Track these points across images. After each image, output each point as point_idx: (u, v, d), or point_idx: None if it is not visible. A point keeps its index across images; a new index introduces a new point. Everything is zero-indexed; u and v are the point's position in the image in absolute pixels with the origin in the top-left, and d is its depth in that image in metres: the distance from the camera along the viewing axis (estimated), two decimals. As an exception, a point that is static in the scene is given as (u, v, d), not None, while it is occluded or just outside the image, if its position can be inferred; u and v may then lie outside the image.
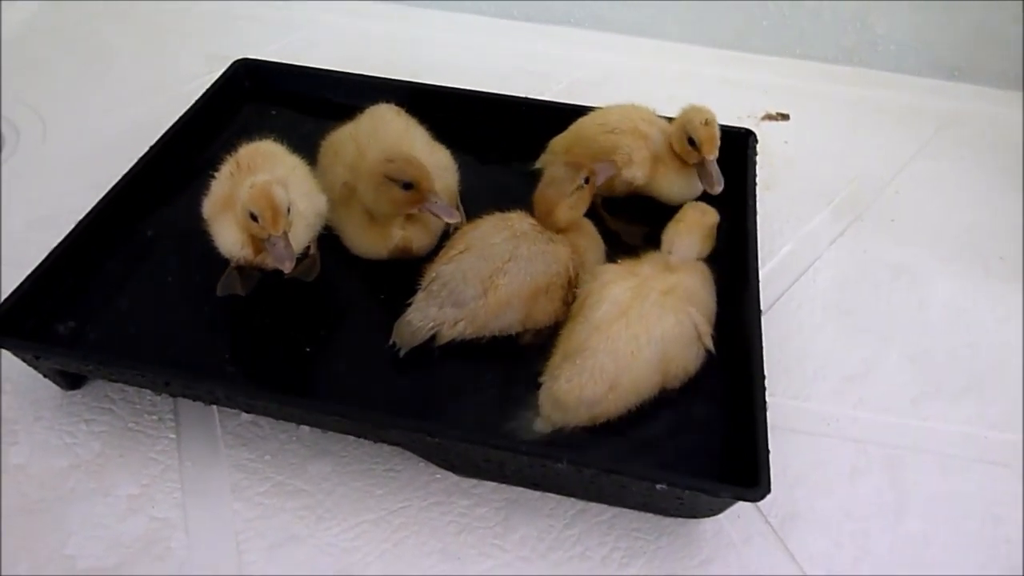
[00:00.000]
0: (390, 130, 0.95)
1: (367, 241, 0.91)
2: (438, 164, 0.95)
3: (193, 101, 1.06)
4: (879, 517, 0.78)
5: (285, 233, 0.79)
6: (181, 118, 1.03)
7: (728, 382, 0.82)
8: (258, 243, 0.82)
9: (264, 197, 0.77)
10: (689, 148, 0.94)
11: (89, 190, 0.94)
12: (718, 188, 0.93)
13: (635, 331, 0.76)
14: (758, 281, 0.84)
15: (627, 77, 1.32)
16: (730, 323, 0.85)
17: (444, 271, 0.83)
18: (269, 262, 0.83)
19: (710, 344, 0.80)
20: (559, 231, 0.87)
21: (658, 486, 0.67)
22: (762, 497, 0.67)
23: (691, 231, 0.86)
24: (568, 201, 0.85)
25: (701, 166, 0.94)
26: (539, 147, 1.04)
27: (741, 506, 0.77)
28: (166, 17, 1.43)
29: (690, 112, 0.95)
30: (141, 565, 0.72)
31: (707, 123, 0.93)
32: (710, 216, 0.88)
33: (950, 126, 1.26)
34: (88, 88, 1.26)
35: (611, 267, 0.84)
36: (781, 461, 0.80)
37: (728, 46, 1.37)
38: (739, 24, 1.35)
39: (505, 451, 0.70)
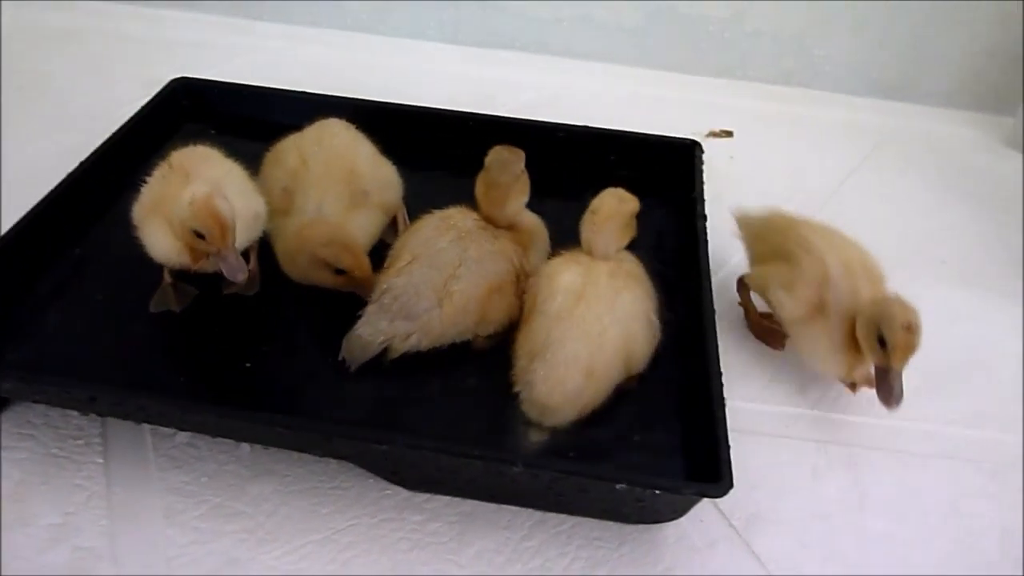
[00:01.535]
0: (335, 142, 0.92)
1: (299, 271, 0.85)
2: (383, 179, 0.93)
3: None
4: (843, 515, 0.76)
5: (234, 245, 0.75)
6: (114, 135, 1.00)
7: (684, 383, 0.80)
8: (198, 253, 0.78)
9: (208, 213, 0.73)
10: (875, 345, 0.76)
11: (17, 214, 0.88)
12: (893, 406, 0.75)
13: (596, 311, 0.74)
14: (710, 280, 0.84)
15: (573, 99, 1.33)
16: (684, 326, 0.84)
17: (395, 284, 0.80)
18: (211, 268, 0.79)
19: (657, 323, 0.79)
20: (507, 224, 0.84)
21: (618, 486, 0.64)
22: (725, 492, 0.64)
23: (608, 226, 0.81)
24: (516, 188, 0.83)
25: (883, 373, 0.76)
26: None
27: (704, 510, 0.75)
28: (104, 43, 1.39)
29: (893, 306, 0.76)
30: (63, 598, 0.66)
31: (909, 328, 0.75)
32: (628, 204, 0.84)
33: (889, 142, 1.30)
34: (19, 114, 1.21)
35: (553, 260, 0.81)
36: (742, 463, 0.77)
37: (671, 68, 1.39)
38: (682, 47, 1.37)
39: (458, 457, 0.66)
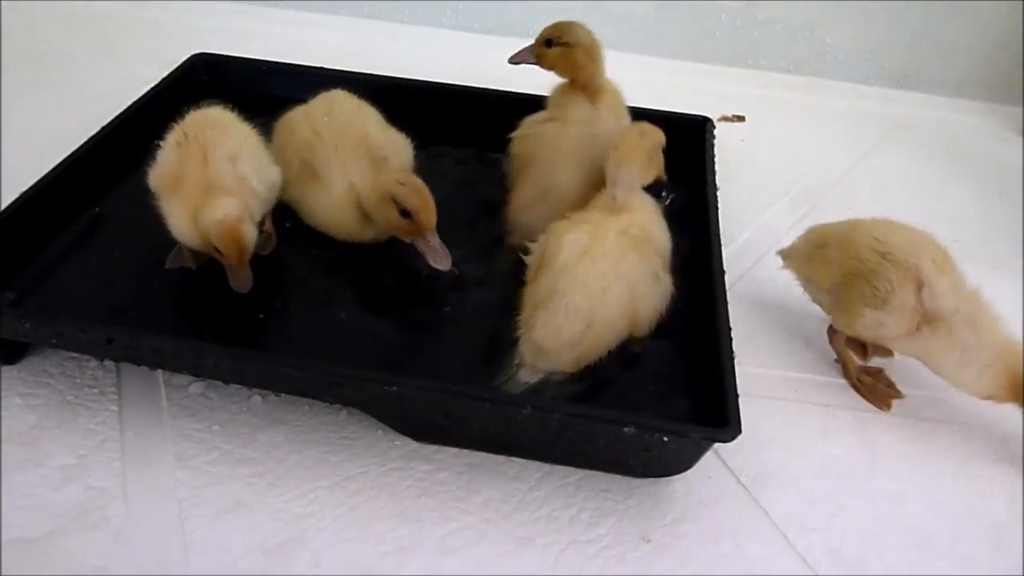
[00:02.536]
0: (344, 109, 0.94)
1: (347, 223, 0.89)
2: (397, 143, 0.95)
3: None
4: (851, 476, 0.76)
5: (247, 264, 0.77)
6: (133, 104, 1.02)
7: (695, 344, 0.80)
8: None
9: (232, 240, 0.76)
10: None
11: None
12: None
13: (601, 268, 0.75)
14: (720, 241, 0.84)
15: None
16: (696, 291, 0.84)
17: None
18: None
19: (667, 279, 0.79)
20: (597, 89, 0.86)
21: (625, 429, 0.65)
22: (732, 437, 0.64)
23: (631, 158, 0.81)
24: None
25: None
26: (502, 136, 1.04)
27: (711, 466, 0.75)
28: (124, 26, 1.42)
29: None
30: (74, 534, 0.66)
31: None
32: (650, 135, 0.83)
33: (898, 129, 1.30)
34: (43, 91, 1.24)
35: (561, 221, 0.81)
36: (751, 424, 0.77)
37: (683, 57, 1.40)
38: (694, 36, 1.39)
39: (467, 399, 0.67)
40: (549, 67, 0.96)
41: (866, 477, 0.76)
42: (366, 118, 0.95)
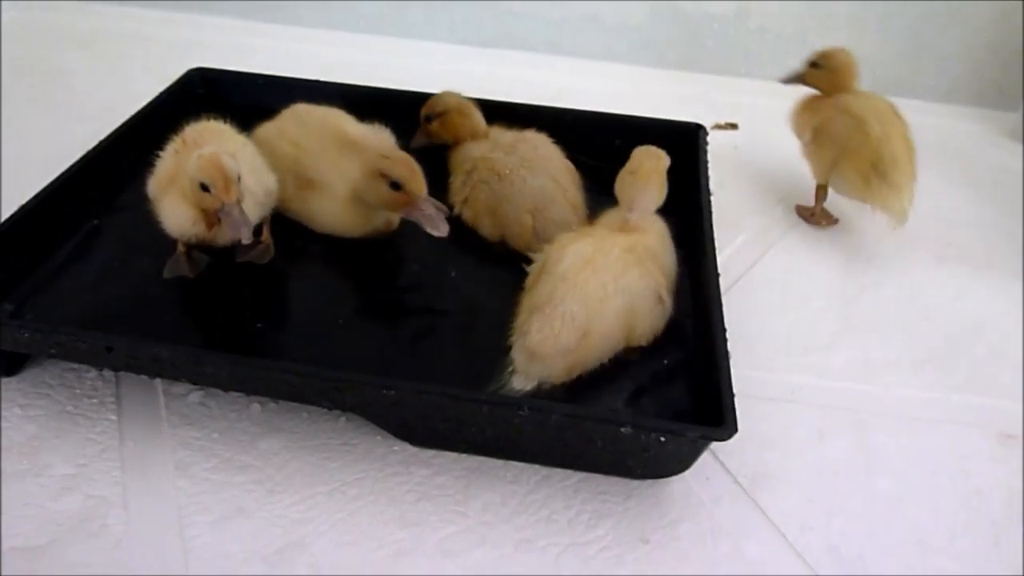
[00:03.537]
0: (313, 117, 0.97)
1: (353, 218, 0.91)
2: (371, 132, 0.97)
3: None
4: (849, 475, 0.76)
5: (239, 201, 0.77)
6: (132, 118, 1.02)
7: (691, 347, 0.81)
8: (210, 217, 0.80)
9: (214, 166, 0.76)
10: None
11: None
12: None
13: (602, 279, 0.75)
14: (714, 247, 0.85)
15: (580, 96, 1.34)
16: (691, 296, 0.85)
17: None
18: (222, 238, 0.82)
19: (669, 301, 0.79)
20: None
21: (622, 429, 0.65)
22: (729, 436, 0.65)
23: (650, 182, 0.83)
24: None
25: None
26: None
27: (709, 467, 0.75)
28: (123, 42, 1.44)
29: None
30: (74, 542, 0.66)
31: None
32: (663, 160, 0.85)
33: (892, 135, 1.31)
34: (42, 107, 1.25)
35: (567, 233, 0.82)
36: (748, 426, 0.77)
37: (676, 66, 1.42)
38: (686, 46, 1.40)
39: (465, 401, 0.67)
40: (438, 139, 1.04)
41: (864, 476, 0.76)
42: (337, 117, 0.97)
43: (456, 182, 0.98)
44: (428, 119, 1.04)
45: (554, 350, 0.73)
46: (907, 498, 0.74)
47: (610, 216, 0.84)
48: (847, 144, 1.00)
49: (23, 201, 0.87)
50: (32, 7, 1.53)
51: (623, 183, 0.84)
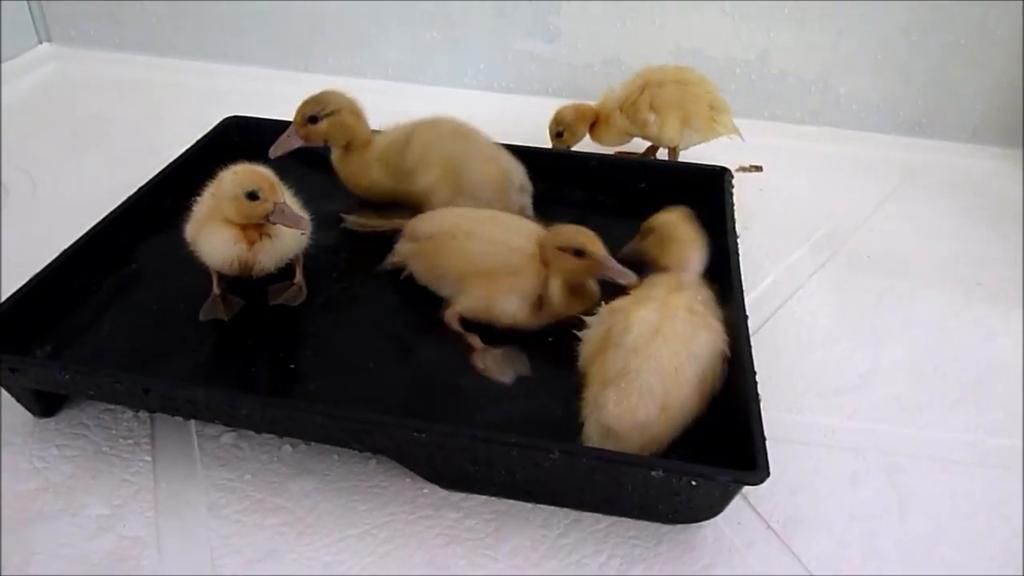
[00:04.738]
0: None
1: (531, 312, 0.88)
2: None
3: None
4: (883, 518, 0.75)
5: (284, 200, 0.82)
6: (169, 165, 1.06)
7: (721, 389, 0.81)
8: (252, 235, 0.83)
9: (255, 172, 0.81)
10: None
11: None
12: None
13: (674, 348, 0.73)
14: (742, 288, 0.85)
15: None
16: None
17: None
18: (265, 259, 0.85)
19: (728, 353, 0.79)
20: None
21: (653, 472, 0.65)
22: (761, 480, 0.64)
23: (696, 245, 0.85)
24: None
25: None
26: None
27: (741, 511, 0.75)
28: (161, 91, 1.48)
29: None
30: (109, 583, 0.67)
31: None
32: (694, 224, 0.88)
33: (915, 175, 1.31)
34: (80, 153, 1.29)
35: (626, 297, 0.81)
36: (779, 469, 0.77)
37: (699, 110, 1.43)
38: (708, 90, 1.42)
39: (495, 444, 0.67)
40: (322, 140, 1.02)
41: (898, 520, 0.75)
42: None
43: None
44: (314, 119, 1.00)
45: (632, 425, 0.71)
46: (943, 542, 0.73)
47: (663, 279, 0.83)
48: (683, 102, 1.14)
49: (64, 244, 0.90)
50: (74, 58, 1.59)
51: (670, 248, 0.85)
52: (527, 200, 1.03)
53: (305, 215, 0.85)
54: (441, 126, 1.03)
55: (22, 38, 1.57)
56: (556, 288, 0.86)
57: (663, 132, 1.14)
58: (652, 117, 1.14)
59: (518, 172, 1.02)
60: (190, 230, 0.87)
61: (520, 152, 1.09)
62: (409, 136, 1.02)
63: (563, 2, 1.39)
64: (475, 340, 0.87)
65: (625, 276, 0.85)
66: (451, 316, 0.88)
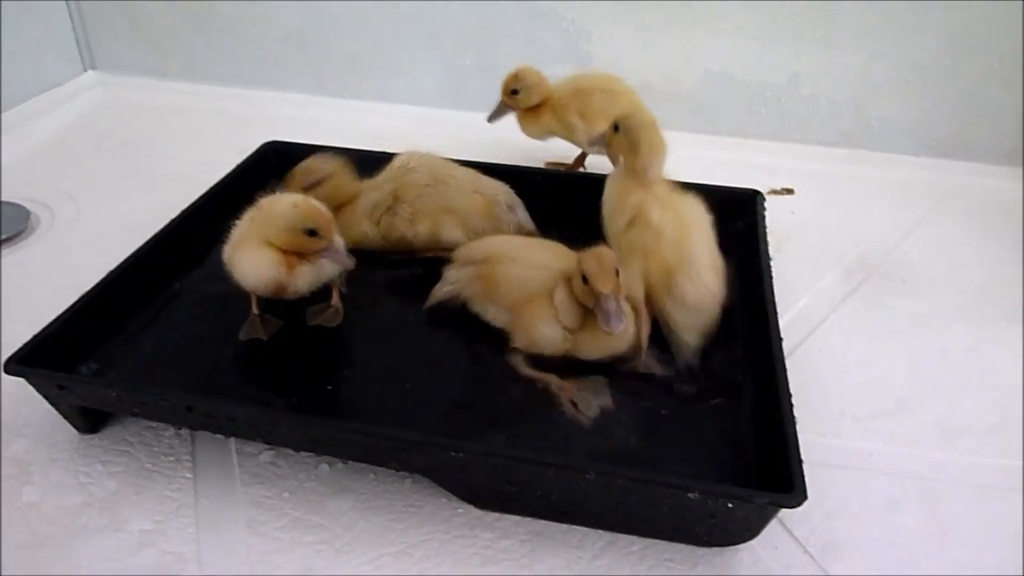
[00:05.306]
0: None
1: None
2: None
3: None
4: (924, 545, 0.74)
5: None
6: (210, 190, 1.08)
7: (756, 411, 0.81)
8: (292, 260, 0.85)
9: (317, 211, 0.84)
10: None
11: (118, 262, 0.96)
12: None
13: (701, 231, 0.91)
14: (775, 307, 0.85)
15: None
16: (753, 359, 0.85)
17: None
18: (301, 283, 0.87)
19: None
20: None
21: (690, 494, 0.65)
22: (799, 503, 0.64)
23: (661, 152, 0.93)
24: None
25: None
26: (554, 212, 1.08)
27: (777, 535, 0.74)
28: (199, 117, 1.52)
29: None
30: (151, 597, 0.69)
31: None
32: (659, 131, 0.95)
33: (950, 198, 1.31)
34: (123, 178, 1.33)
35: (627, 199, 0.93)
36: (816, 493, 0.76)
37: (729, 133, 1.44)
38: (738, 113, 1.43)
39: (531, 464, 0.68)
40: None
41: (938, 547, 0.74)
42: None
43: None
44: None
45: (710, 298, 0.86)
46: (984, 569, 0.72)
47: (621, 178, 0.94)
48: (611, 112, 1.11)
49: (107, 266, 0.92)
50: (118, 85, 1.64)
51: (637, 151, 0.92)
52: (522, 214, 1.06)
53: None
54: (419, 177, 1.05)
55: (68, 66, 1.62)
56: (562, 303, 0.85)
57: (587, 136, 1.17)
58: (581, 124, 1.17)
59: (503, 193, 1.05)
60: (228, 251, 0.89)
61: (551, 176, 1.11)
62: (394, 193, 1.04)
63: (593, 28, 1.42)
64: (552, 379, 0.85)
65: (610, 324, 0.80)
66: (516, 361, 0.88)
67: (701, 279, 0.86)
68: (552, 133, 1.22)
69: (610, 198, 0.95)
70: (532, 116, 1.22)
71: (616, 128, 0.96)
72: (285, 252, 0.84)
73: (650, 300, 0.89)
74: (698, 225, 0.90)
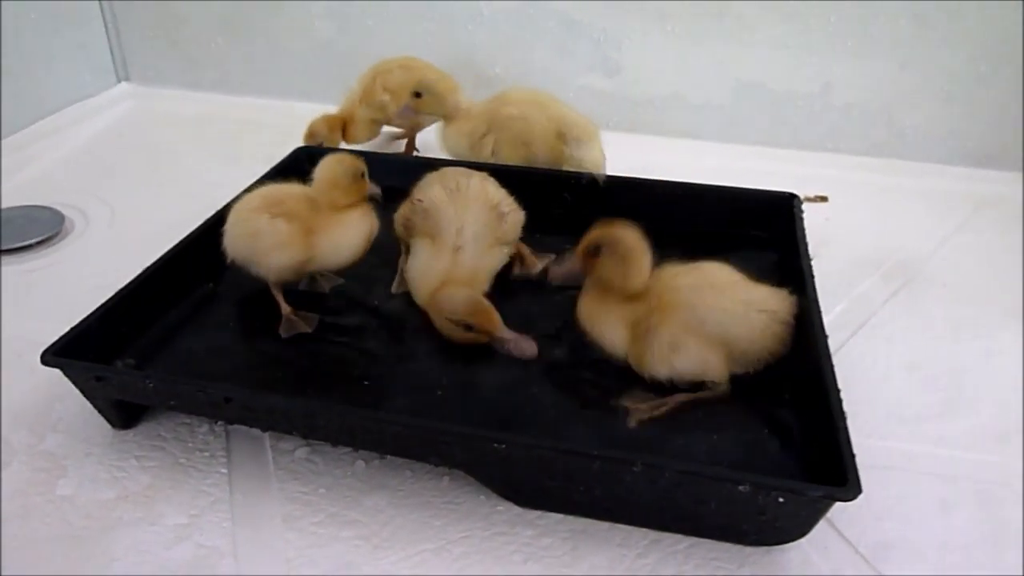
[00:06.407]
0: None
1: None
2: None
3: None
4: (979, 548, 0.71)
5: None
6: (245, 190, 1.08)
7: (800, 404, 0.79)
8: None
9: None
10: None
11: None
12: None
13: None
14: (819, 306, 0.84)
15: (666, 171, 1.36)
16: (796, 353, 0.83)
17: None
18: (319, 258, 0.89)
19: None
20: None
21: (740, 487, 0.63)
22: (854, 496, 0.62)
23: (647, 260, 0.83)
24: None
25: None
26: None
27: (827, 536, 0.72)
28: (230, 127, 1.54)
29: None
30: (187, 590, 0.67)
31: None
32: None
33: (988, 207, 1.28)
34: (157, 184, 1.34)
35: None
36: (866, 493, 0.73)
37: (762, 143, 1.43)
38: (771, 123, 1.42)
39: (575, 456, 0.66)
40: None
41: (994, 550, 0.71)
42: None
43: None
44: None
45: None
46: (1046, 574, 0.69)
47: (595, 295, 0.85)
48: (410, 83, 1.27)
49: (140, 269, 0.92)
50: (151, 96, 1.67)
51: (633, 267, 0.82)
52: (516, 218, 1.01)
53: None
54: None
55: (102, 77, 1.65)
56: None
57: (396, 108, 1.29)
58: (387, 97, 1.28)
59: (504, 202, 1.00)
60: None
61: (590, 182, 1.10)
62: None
63: (624, 38, 1.42)
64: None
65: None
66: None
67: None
68: (375, 122, 1.33)
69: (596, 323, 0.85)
70: (351, 129, 1.34)
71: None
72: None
73: None
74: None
